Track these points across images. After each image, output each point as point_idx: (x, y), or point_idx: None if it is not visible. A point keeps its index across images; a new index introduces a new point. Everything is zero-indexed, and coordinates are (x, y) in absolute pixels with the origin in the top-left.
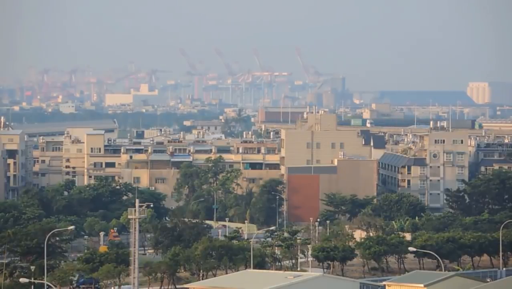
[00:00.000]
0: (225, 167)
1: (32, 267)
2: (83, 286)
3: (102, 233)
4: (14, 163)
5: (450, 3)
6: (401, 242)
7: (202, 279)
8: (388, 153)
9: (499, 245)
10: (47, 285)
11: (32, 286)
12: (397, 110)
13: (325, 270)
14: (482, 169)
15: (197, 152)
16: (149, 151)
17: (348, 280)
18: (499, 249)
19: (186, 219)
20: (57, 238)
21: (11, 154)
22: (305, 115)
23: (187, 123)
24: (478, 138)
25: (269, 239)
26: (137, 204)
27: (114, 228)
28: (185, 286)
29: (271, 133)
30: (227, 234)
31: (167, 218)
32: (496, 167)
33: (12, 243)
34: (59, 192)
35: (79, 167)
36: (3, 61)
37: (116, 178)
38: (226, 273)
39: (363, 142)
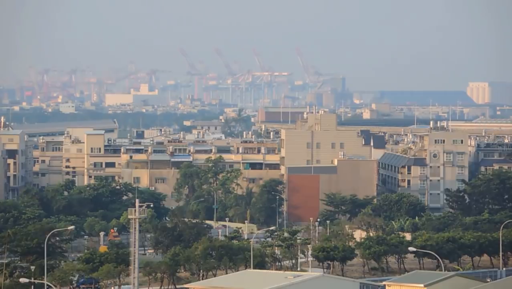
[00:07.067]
0: (225, 167)
1: (32, 267)
2: (83, 286)
3: (102, 233)
4: (14, 163)
5: (450, 4)
6: (401, 242)
7: (202, 279)
8: (388, 153)
9: (499, 245)
10: (47, 285)
11: (32, 286)
12: (397, 110)
13: (325, 270)
14: (482, 169)
15: (197, 152)
16: (149, 151)
17: (348, 280)
18: (499, 249)
19: (186, 219)
20: (57, 238)
21: (11, 154)
22: (305, 115)
23: (187, 123)
24: (478, 138)
25: (269, 239)
26: (137, 204)
27: (114, 228)
28: (185, 286)
29: (271, 133)
30: (227, 234)
31: (167, 218)
32: (496, 167)
33: (12, 243)
34: (59, 192)
35: (79, 167)
36: (3, 61)
37: (116, 178)
38: (226, 273)
39: (363, 142)
